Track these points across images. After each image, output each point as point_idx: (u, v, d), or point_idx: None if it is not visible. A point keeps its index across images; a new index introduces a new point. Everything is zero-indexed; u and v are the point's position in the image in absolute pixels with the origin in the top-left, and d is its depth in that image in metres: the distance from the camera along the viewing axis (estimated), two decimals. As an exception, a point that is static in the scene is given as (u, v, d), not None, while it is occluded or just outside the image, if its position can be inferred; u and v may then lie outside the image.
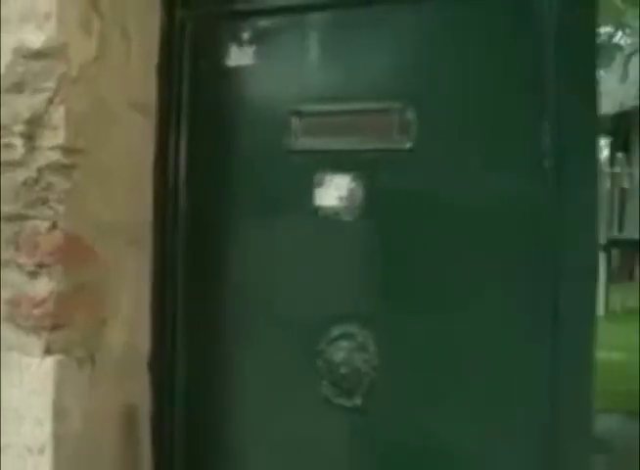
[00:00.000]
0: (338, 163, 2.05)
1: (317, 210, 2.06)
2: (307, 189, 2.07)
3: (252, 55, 2.18)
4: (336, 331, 2.04)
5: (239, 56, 2.20)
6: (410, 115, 1.97)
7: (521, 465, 1.89)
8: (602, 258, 13.62)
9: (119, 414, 2.11)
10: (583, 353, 1.83)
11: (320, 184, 2.06)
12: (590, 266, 1.85)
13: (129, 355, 2.15)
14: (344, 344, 2.03)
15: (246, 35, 2.19)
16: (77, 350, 1.98)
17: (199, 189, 2.24)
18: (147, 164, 2.21)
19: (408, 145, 1.97)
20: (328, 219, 2.05)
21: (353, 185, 2.02)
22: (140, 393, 2.19)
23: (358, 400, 2.01)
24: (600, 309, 13.49)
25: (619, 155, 13.52)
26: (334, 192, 2.04)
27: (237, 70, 2.20)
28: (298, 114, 2.09)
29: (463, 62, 1.96)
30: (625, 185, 12.46)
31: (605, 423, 6.21)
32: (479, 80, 1.95)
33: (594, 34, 1.95)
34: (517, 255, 1.90)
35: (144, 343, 2.21)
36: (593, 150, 1.88)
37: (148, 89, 2.20)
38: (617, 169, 13.23)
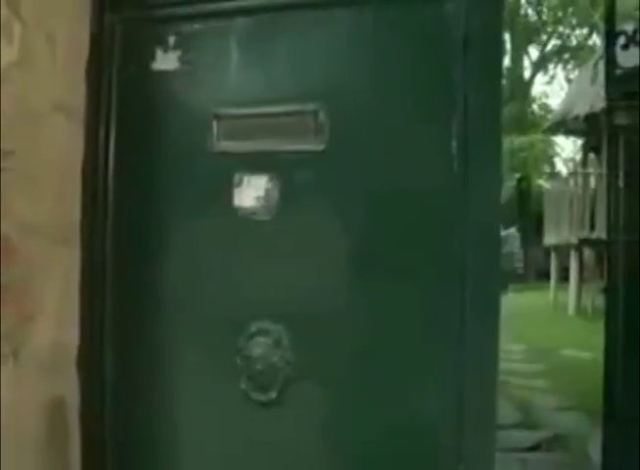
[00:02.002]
0: (255, 164, 2.12)
1: (236, 210, 2.13)
2: (227, 190, 2.14)
3: (177, 59, 2.25)
4: (253, 328, 2.10)
5: (165, 60, 2.26)
6: (323, 117, 2.04)
7: (429, 456, 1.97)
8: (573, 257, 13.81)
9: (46, 408, 2.17)
10: (487, 334, 1.92)
11: (239, 185, 2.12)
12: (493, 255, 1.94)
13: (57, 351, 2.21)
14: (261, 340, 2.09)
15: (171, 40, 2.25)
16: (1, 345, 2.03)
17: (127, 190, 2.30)
18: (75, 166, 2.27)
19: (321, 146, 2.05)
20: (246, 219, 2.12)
21: (270, 186, 2.09)
22: (68, 387, 2.25)
23: (273, 394, 2.08)
24: (571, 309, 13.65)
25: (591, 156, 13.68)
26: (251, 192, 2.11)
27: (163, 74, 2.26)
28: (219, 117, 2.16)
29: (375, 65, 2.05)
30: (596, 186, 12.60)
31: (569, 421, 6.32)
32: (390, 83, 2.03)
33: (500, 37, 2.03)
34: (426, 246, 1.99)
35: (72, 339, 2.27)
36: (498, 148, 1.97)
37: (76, 93, 2.26)
38: (590, 170, 13.39)
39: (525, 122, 23.63)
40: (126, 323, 2.29)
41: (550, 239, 15.02)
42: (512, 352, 10.64)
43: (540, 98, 26.47)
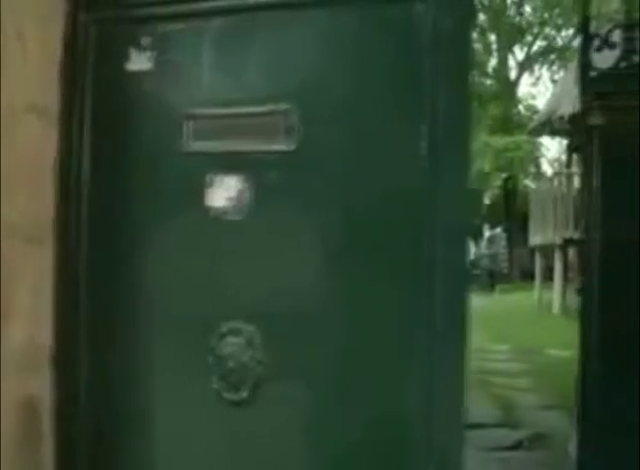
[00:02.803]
0: (227, 164, 2.13)
1: (208, 210, 2.14)
2: (199, 190, 2.15)
3: (152, 60, 2.25)
4: (225, 328, 2.11)
5: (139, 60, 2.26)
6: (295, 117, 2.05)
7: (400, 455, 1.98)
8: (558, 257, 13.89)
9: (19, 408, 2.17)
10: (456, 329, 1.93)
11: (210, 185, 2.13)
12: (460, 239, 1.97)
13: (30, 351, 2.21)
14: (233, 340, 2.10)
15: (145, 40, 2.26)
16: (-27, 344, 2.04)
17: (100, 190, 2.30)
18: (48, 166, 2.27)
19: (293, 147, 2.06)
20: (218, 219, 2.13)
21: (241, 186, 2.10)
22: (42, 388, 2.25)
23: (245, 394, 2.09)
24: (555, 308, 13.73)
25: (575, 156, 13.75)
26: (223, 192, 2.12)
27: (137, 74, 2.26)
28: (191, 117, 2.16)
29: (345, 66, 2.06)
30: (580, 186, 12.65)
31: (551, 420, 6.37)
32: (360, 84, 2.04)
33: (469, 38, 2.05)
34: (396, 246, 2.00)
35: (46, 338, 2.27)
36: (467, 148, 1.99)
37: (49, 92, 2.26)
38: (574, 170, 13.45)
39: (512, 123, 23.73)
40: (100, 323, 2.29)
41: (535, 239, 15.10)
42: (497, 351, 10.70)
43: (526, 99, 26.59)
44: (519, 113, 25.51)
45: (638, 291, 2.97)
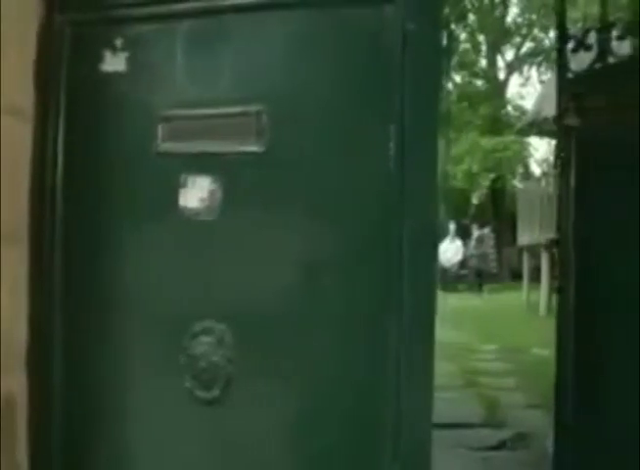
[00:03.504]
0: (200, 165, 2.15)
1: (182, 210, 2.16)
2: (173, 191, 2.17)
3: (126, 61, 2.26)
4: (198, 327, 2.13)
5: (113, 62, 2.28)
6: (266, 119, 2.07)
7: (366, 453, 2.01)
8: (544, 258, 13.92)
9: (-3, 406, 2.18)
10: (424, 328, 1.96)
11: (184, 186, 2.15)
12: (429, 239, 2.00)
13: (5, 350, 2.22)
14: (205, 339, 2.12)
15: (119, 42, 2.27)
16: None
17: (75, 190, 2.31)
18: (23, 167, 2.28)
19: (263, 148, 2.08)
20: (191, 220, 2.15)
21: (214, 186, 2.12)
22: (17, 387, 2.26)
23: (217, 392, 2.10)
24: (542, 308, 13.76)
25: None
26: (196, 193, 2.13)
27: (112, 75, 2.28)
28: (165, 118, 2.18)
29: (316, 67, 2.08)
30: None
31: (534, 419, 6.39)
32: (330, 85, 2.06)
33: (438, 39, 2.07)
34: (365, 247, 2.02)
35: (21, 338, 2.28)
36: (434, 149, 2.02)
37: (24, 93, 2.27)
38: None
39: (501, 123, 23.79)
40: (75, 322, 2.30)
41: (522, 239, 15.15)
42: (484, 351, 10.73)
43: (515, 99, 26.66)
44: (507, 113, 25.59)
45: (610, 291, 3.00)
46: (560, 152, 3.19)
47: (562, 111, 3.22)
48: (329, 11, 2.07)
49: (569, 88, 3.15)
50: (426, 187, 1.96)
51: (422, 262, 1.96)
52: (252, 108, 2.08)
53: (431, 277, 1.98)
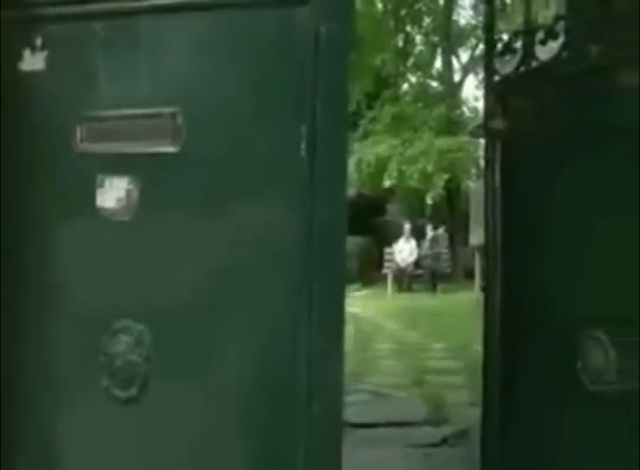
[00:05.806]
0: (116, 165, 2.16)
1: (99, 210, 2.17)
2: (91, 192, 2.17)
3: (44, 60, 2.26)
4: (116, 326, 2.14)
5: (32, 61, 2.28)
6: (180, 120, 2.09)
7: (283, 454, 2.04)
8: (477, 258, 14.10)
9: None
10: (333, 324, 2.01)
11: (101, 186, 2.16)
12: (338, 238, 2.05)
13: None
14: (124, 338, 2.13)
15: (38, 41, 2.27)
16: None
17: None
18: (-59, 166, 2.26)
19: (178, 149, 2.10)
20: (108, 220, 2.16)
21: (130, 187, 2.13)
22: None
23: (134, 392, 2.12)
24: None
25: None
26: (113, 194, 2.14)
27: (30, 74, 2.28)
28: (82, 118, 2.19)
29: (229, 69, 2.11)
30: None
31: (477, 416, 6.47)
32: (243, 86, 2.10)
33: (350, 40, 2.12)
34: (276, 247, 2.06)
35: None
36: (344, 149, 2.06)
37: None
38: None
39: (455, 124, 23.99)
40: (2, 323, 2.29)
41: (473, 239, 15.26)
42: (434, 350, 10.84)
43: (470, 101, 26.92)
44: (462, 114, 25.81)
45: (532, 291, 3.07)
46: (487, 153, 3.25)
47: (488, 113, 3.29)
48: (242, 13, 2.09)
49: (495, 91, 3.21)
50: (335, 187, 2.00)
51: (331, 261, 1.99)
52: (168, 109, 2.10)
53: (339, 276, 2.01)
